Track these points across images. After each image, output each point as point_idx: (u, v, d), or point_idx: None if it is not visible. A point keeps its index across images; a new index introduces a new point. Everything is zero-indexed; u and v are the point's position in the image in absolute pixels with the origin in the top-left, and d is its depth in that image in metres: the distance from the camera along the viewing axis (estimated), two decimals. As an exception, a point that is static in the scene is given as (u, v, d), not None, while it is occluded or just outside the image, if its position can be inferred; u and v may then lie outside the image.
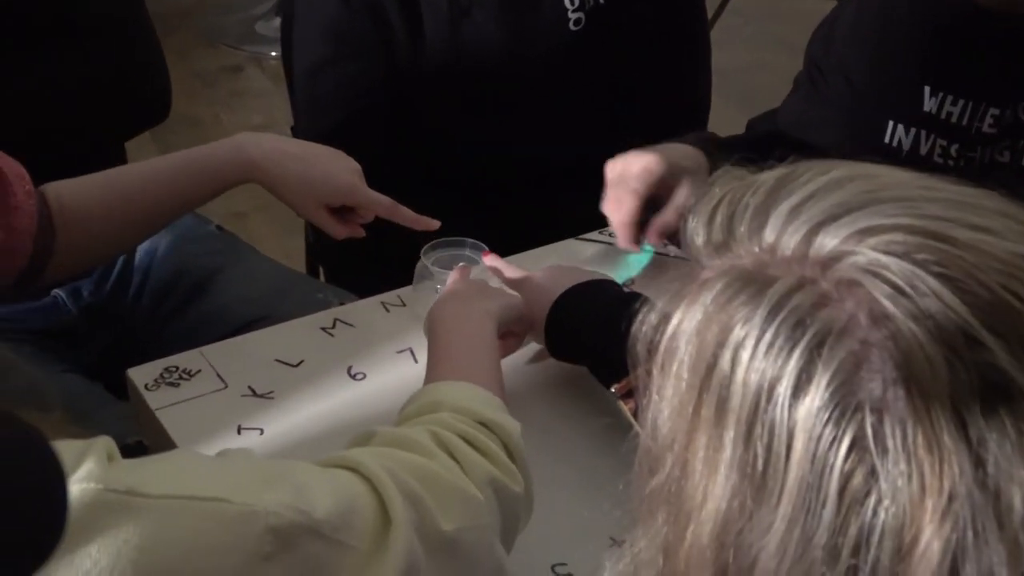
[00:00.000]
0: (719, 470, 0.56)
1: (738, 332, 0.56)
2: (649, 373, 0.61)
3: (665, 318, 0.60)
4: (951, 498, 0.51)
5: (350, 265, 1.67)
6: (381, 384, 1.24)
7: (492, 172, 1.41)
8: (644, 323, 0.62)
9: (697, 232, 0.61)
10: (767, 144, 1.51)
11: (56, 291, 1.51)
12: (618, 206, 1.35)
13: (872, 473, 0.52)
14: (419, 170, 1.61)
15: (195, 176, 1.29)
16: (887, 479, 0.52)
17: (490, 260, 1.32)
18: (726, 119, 1.64)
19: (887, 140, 1.44)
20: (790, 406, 0.54)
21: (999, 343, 0.52)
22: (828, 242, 0.55)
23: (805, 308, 0.54)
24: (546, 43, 1.57)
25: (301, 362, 1.27)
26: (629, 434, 0.67)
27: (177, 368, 1.24)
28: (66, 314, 1.52)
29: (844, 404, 0.53)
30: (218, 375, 1.24)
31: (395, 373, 1.25)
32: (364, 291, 1.43)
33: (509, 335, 1.19)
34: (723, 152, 1.43)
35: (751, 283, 0.56)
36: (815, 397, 0.53)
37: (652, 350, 0.61)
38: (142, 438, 1.25)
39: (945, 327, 0.52)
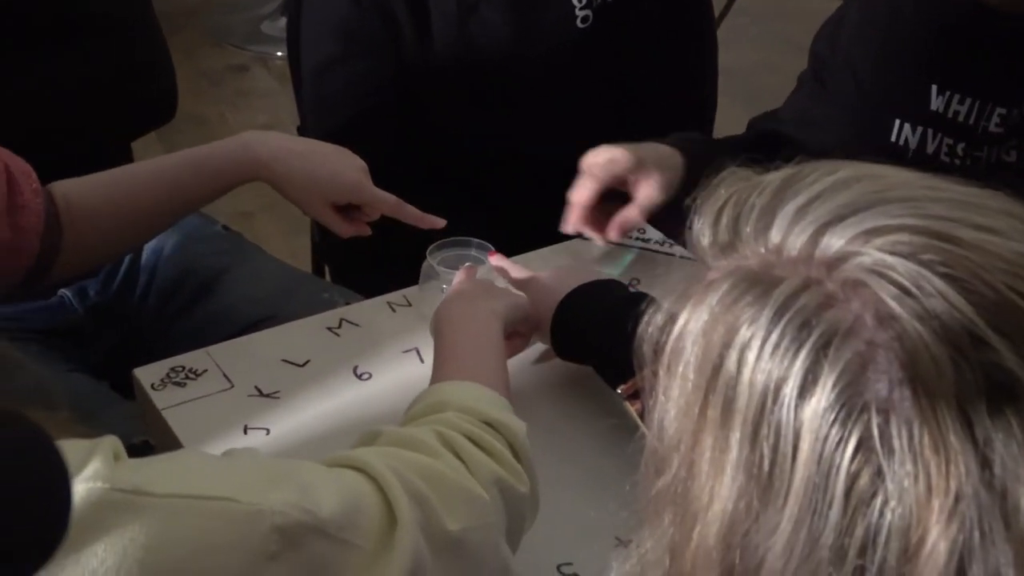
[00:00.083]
0: (725, 471, 0.56)
1: (744, 333, 0.56)
2: (655, 374, 0.61)
3: (671, 319, 0.60)
4: (957, 498, 0.51)
5: (356, 264, 1.67)
6: (387, 384, 1.24)
7: (498, 171, 1.41)
8: (650, 324, 0.62)
9: (703, 233, 0.61)
10: (757, 145, 1.51)
11: (63, 290, 1.51)
12: (577, 190, 1.37)
13: (878, 474, 0.52)
14: (426, 169, 1.61)
15: (201, 175, 1.30)
16: (893, 480, 0.52)
17: (496, 260, 1.32)
18: (732, 118, 1.64)
19: (894, 139, 1.43)
20: (796, 407, 0.54)
21: (1004, 343, 0.52)
22: (834, 243, 0.55)
23: (811, 309, 0.54)
24: (553, 40, 1.57)
25: (307, 362, 1.27)
26: (635, 435, 0.67)
27: (183, 368, 1.24)
28: (72, 313, 1.52)
29: (850, 405, 0.53)
30: (224, 375, 1.24)
31: (401, 373, 1.25)
32: (370, 291, 1.43)
33: (515, 335, 1.19)
34: (708, 153, 1.43)
35: (757, 284, 0.56)
36: (821, 398, 0.53)
37: (658, 351, 0.61)
38: (148, 437, 1.25)
39: (951, 327, 0.52)
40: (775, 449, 0.54)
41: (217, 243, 1.61)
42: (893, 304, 0.53)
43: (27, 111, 1.48)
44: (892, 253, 0.54)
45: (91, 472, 0.70)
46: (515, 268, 1.30)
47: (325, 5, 1.59)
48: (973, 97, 1.39)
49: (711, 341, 0.57)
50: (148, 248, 1.57)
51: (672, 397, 0.60)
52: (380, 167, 1.36)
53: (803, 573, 0.53)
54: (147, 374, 1.23)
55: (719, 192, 0.61)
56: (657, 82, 1.66)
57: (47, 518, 0.54)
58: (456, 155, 1.61)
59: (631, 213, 1.37)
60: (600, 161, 1.38)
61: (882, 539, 0.52)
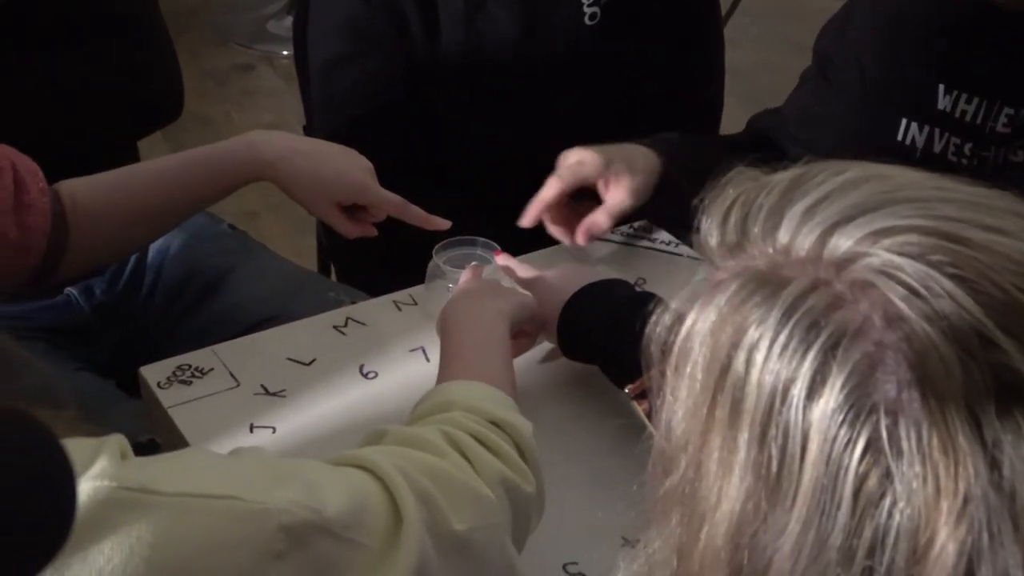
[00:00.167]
0: (733, 471, 0.56)
1: (752, 333, 0.56)
2: (663, 374, 0.61)
3: (679, 319, 0.60)
4: (966, 500, 0.51)
5: (362, 264, 1.67)
6: (393, 383, 1.24)
7: (505, 170, 1.41)
8: (658, 324, 0.62)
9: (711, 233, 0.61)
10: (744, 146, 1.51)
11: (69, 289, 1.52)
12: (543, 189, 1.37)
13: (887, 475, 0.52)
14: (432, 168, 1.61)
15: (207, 174, 1.30)
16: (902, 481, 0.52)
17: (502, 259, 1.32)
18: (733, 118, 1.64)
19: (900, 138, 1.43)
20: (805, 408, 0.54)
21: (1013, 344, 0.52)
22: (842, 243, 0.55)
23: (819, 309, 0.54)
24: (561, 37, 1.57)
25: (313, 361, 1.27)
26: (643, 435, 0.67)
27: (189, 366, 1.24)
28: (79, 312, 1.52)
29: (859, 406, 0.53)
30: (230, 373, 1.24)
31: (407, 372, 1.25)
32: (376, 290, 1.43)
33: (521, 334, 1.19)
34: (687, 153, 1.43)
35: (765, 284, 0.56)
36: (830, 399, 0.53)
37: (666, 351, 0.61)
38: (154, 436, 1.25)
39: (959, 328, 0.52)
40: (783, 450, 0.54)
41: (223, 242, 1.61)
42: (902, 305, 0.52)
43: (34, 110, 1.48)
44: (901, 254, 0.53)
45: (98, 470, 0.70)
46: (521, 267, 1.30)
47: (333, 3, 1.59)
48: (980, 97, 1.39)
49: (719, 341, 0.57)
50: (154, 247, 1.57)
51: (680, 397, 0.59)
52: (387, 166, 1.36)
53: (811, 574, 0.53)
54: (153, 372, 1.23)
55: (727, 192, 0.61)
56: (664, 81, 1.66)
57: (52, 517, 0.54)
58: (463, 154, 1.61)
59: (598, 218, 1.37)
60: (568, 162, 1.38)
61: (890, 540, 0.52)
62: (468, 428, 0.91)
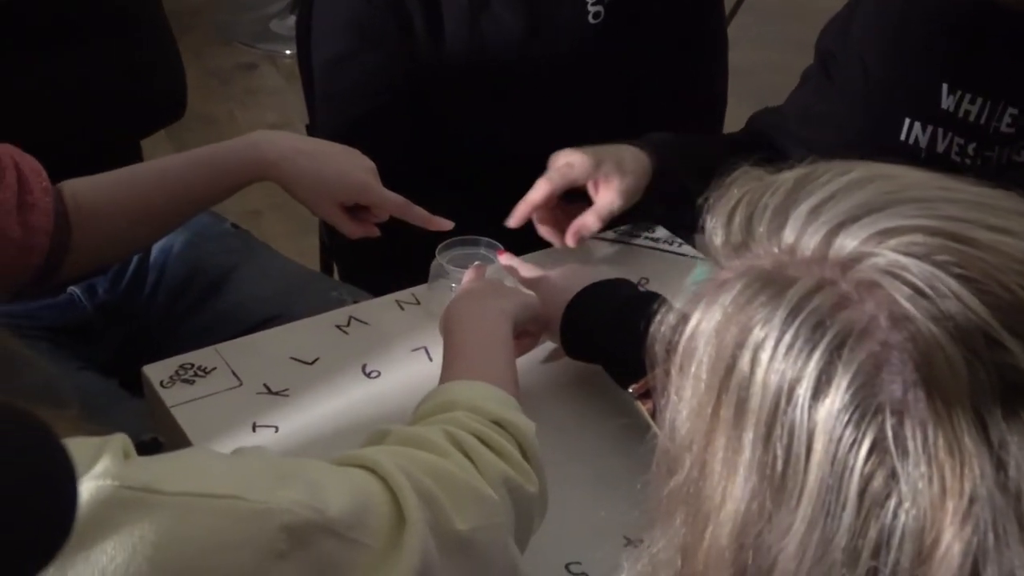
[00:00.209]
0: (738, 471, 0.56)
1: (758, 333, 0.55)
2: (667, 373, 0.61)
3: (684, 318, 0.60)
4: (972, 501, 0.51)
5: (364, 264, 1.67)
6: (396, 382, 1.24)
7: (508, 169, 1.41)
8: (662, 323, 0.62)
9: (716, 232, 0.60)
10: (740, 146, 1.51)
11: (72, 288, 1.52)
12: (531, 191, 1.38)
13: (892, 475, 0.52)
14: (435, 167, 1.61)
15: (210, 174, 1.30)
16: (907, 481, 0.51)
17: (505, 259, 1.32)
18: (738, 118, 1.64)
19: (903, 137, 1.43)
20: (810, 408, 0.53)
21: (1019, 344, 0.52)
22: (848, 243, 0.55)
23: (825, 309, 0.54)
24: (565, 36, 1.57)
25: (316, 360, 1.27)
26: (645, 434, 0.67)
27: (192, 365, 1.24)
28: (82, 311, 1.52)
29: (864, 406, 0.52)
30: (233, 372, 1.24)
31: (410, 371, 1.25)
32: (378, 290, 1.43)
33: (524, 334, 1.19)
34: (679, 154, 1.43)
35: (771, 284, 0.56)
36: (835, 399, 0.53)
37: (671, 350, 0.61)
38: (157, 435, 1.25)
39: (965, 328, 0.52)
40: (788, 450, 0.54)
41: (226, 241, 1.61)
42: (907, 305, 0.52)
43: (37, 110, 1.48)
44: (906, 254, 0.53)
45: (101, 470, 0.70)
46: (525, 267, 1.30)
47: (337, 2, 1.59)
48: (984, 97, 1.39)
49: (724, 341, 0.57)
50: (157, 246, 1.57)
51: (684, 397, 0.59)
52: (390, 165, 1.36)
53: (816, 574, 0.53)
54: (156, 371, 1.24)
55: (732, 191, 0.61)
56: (668, 80, 1.66)
57: (52, 516, 0.54)
58: (465, 153, 1.61)
59: (587, 219, 1.37)
60: (557, 164, 1.38)
61: (896, 541, 0.52)
62: (471, 428, 0.90)
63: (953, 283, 0.52)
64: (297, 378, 1.24)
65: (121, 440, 0.73)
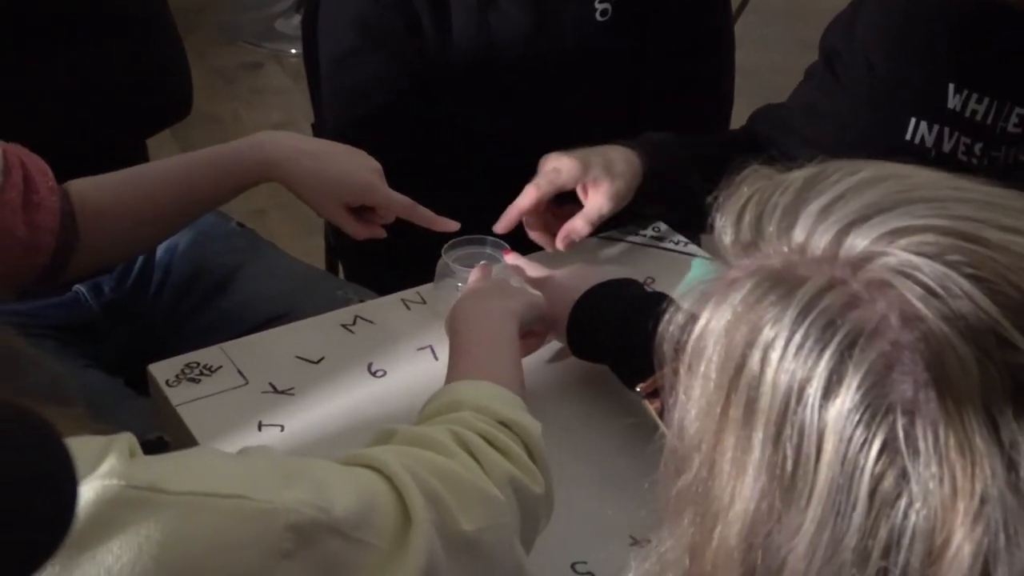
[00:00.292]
0: (747, 471, 0.55)
1: (768, 332, 0.55)
2: (676, 373, 0.61)
3: (692, 318, 0.60)
4: (983, 501, 0.50)
5: (370, 265, 1.67)
6: (401, 381, 1.24)
7: (514, 168, 1.41)
8: (671, 322, 0.62)
9: (725, 231, 0.60)
10: (735, 147, 1.51)
11: (77, 287, 1.52)
12: (520, 196, 1.37)
13: (903, 475, 0.52)
14: (441, 165, 1.60)
15: (215, 175, 1.30)
16: (918, 481, 0.51)
17: (512, 258, 1.32)
18: (743, 118, 1.64)
19: (909, 136, 1.43)
20: (820, 407, 0.53)
21: None
22: (859, 243, 0.55)
23: (836, 309, 0.54)
24: (573, 33, 1.57)
25: (321, 359, 1.27)
26: (651, 434, 0.67)
27: (198, 364, 1.24)
28: (87, 310, 1.52)
29: (875, 406, 0.52)
30: (239, 371, 1.24)
31: (415, 370, 1.25)
32: (384, 290, 1.43)
33: (530, 334, 1.18)
34: (672, 155, 1.43)
35: (780, 283, 0.56)
36: (846, 399, 0.53)
37: (679, 350, 0.61)
38: (163, 434, 1.25)
39: (977, 328, 0.52)
40: (798, 450, 0.54)
41: (232, 240, 1.61)
42: (919, 305, 0.52)
43: (43, 110, 1.48)
44: (918, 254, 0.53)
45: (106, 469, 0.70)
46: (531, 266, 1.29)
47: (343, 0, 1.59)
48: (991, 97, 1.38)
49: (733, 340, 0.57)
50: (162, 245, 1.57)
51: (693, 397, 0.59)
52: (396, 164, 1.36)
53: (826, 574, 0.53)
54: (162, 370, 1.23)
55: (741, 190, 0.61)
56: (674, 79, 1.65)
57: (52, 514, 0.54)
58: (472, 151, 1.61)
59: (576, 224, 1.37)
60: (546, 169, 1.38)
61: (906, 541, 0.52)
62: (477, 428, 0.90)
63: (965, 283, 0.52)
64: (303, 377, 1.24)
65: (127, 439, 0.73)
